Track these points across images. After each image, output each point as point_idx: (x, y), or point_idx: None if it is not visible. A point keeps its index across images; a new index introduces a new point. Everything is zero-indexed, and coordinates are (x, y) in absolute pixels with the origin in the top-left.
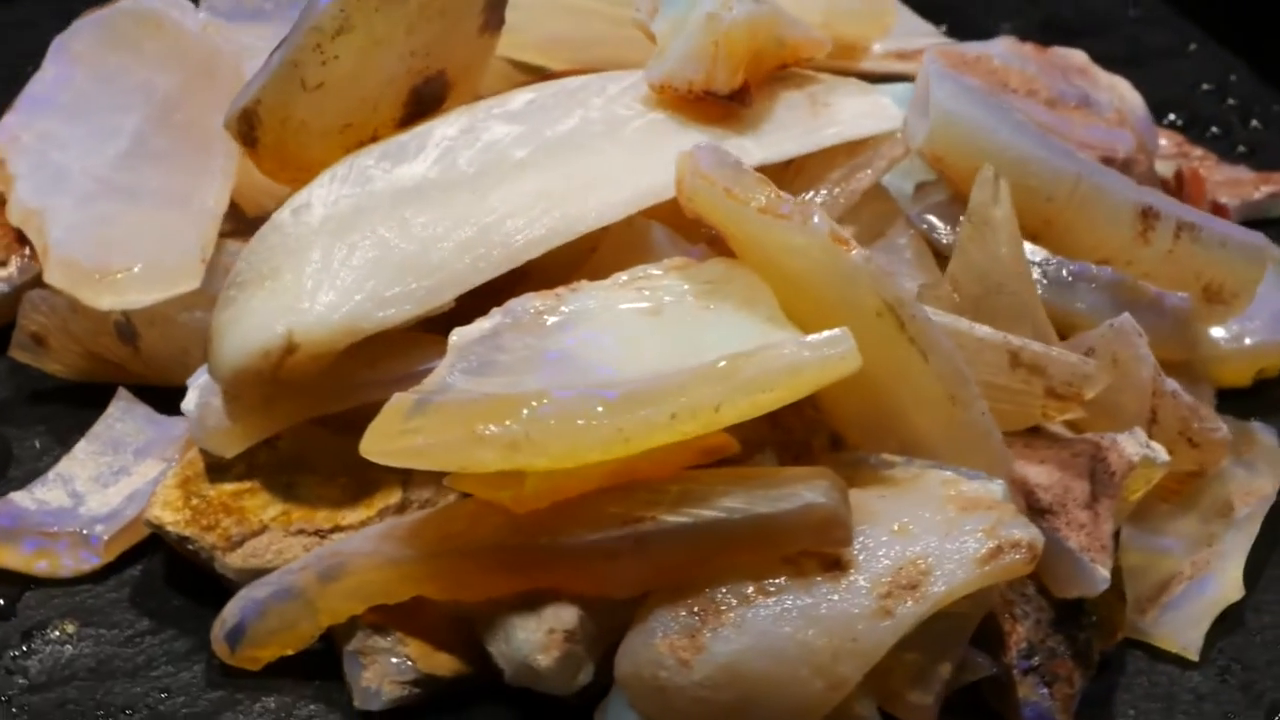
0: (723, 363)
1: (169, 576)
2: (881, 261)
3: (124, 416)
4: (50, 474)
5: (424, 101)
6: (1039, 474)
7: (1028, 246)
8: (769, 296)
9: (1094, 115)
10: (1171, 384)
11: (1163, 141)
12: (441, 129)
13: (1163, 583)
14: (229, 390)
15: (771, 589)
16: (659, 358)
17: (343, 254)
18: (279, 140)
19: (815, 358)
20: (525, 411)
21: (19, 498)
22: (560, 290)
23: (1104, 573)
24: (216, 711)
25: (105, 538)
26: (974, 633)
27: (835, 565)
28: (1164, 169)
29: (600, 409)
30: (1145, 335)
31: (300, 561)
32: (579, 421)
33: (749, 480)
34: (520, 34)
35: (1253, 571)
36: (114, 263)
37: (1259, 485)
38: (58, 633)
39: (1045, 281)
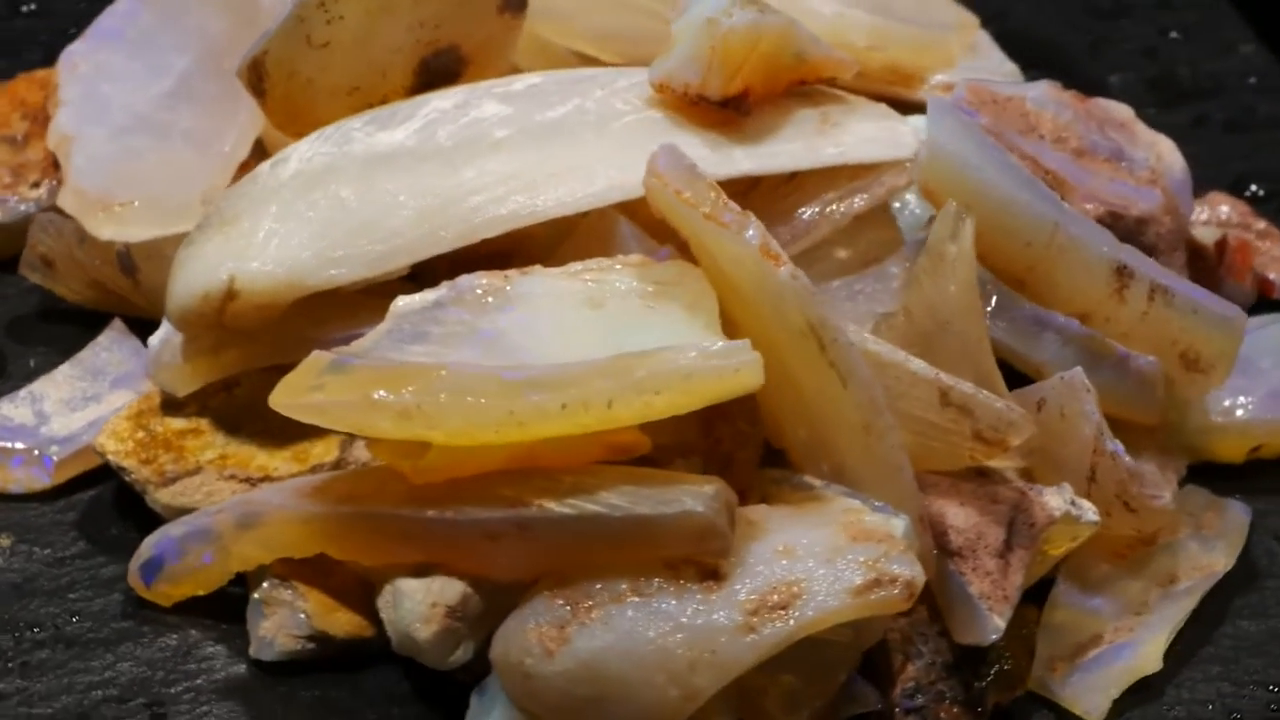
0: (618, 359)
1: (116, 505)
2: (868, 288)
3: (111, 346)
4: (23, 391)
5: (434, 74)
6: (956, 515)
7: (1001, 290)
8: (712, 304)
9: (1124, 170)
10: (1115, 445)
11: (1224, 209)
12: (437, 101)
13: (1082, 643)
14: (179, 329)
15: (645, 591)
16: (586, 349)
17: (300, 209)
18: (286, 94)
19: (708, 366)
20: (422, 383)
21: (24, 409)
22: (511, 272)
23: (998, 623)
24: (118, 641)
25: (57, 459)
26: (868, 665)
27: (712, 576)
28: (1211, 234)
29: (494, 389)
30: (1094, 392)
31: (220, 505)
32: (469, 399)
33: (641, 480)
34: (575, 23)
35: (1187, 648)
36: (120, 195)
37: (1209, 561)
38: None
39: (1011, 328)
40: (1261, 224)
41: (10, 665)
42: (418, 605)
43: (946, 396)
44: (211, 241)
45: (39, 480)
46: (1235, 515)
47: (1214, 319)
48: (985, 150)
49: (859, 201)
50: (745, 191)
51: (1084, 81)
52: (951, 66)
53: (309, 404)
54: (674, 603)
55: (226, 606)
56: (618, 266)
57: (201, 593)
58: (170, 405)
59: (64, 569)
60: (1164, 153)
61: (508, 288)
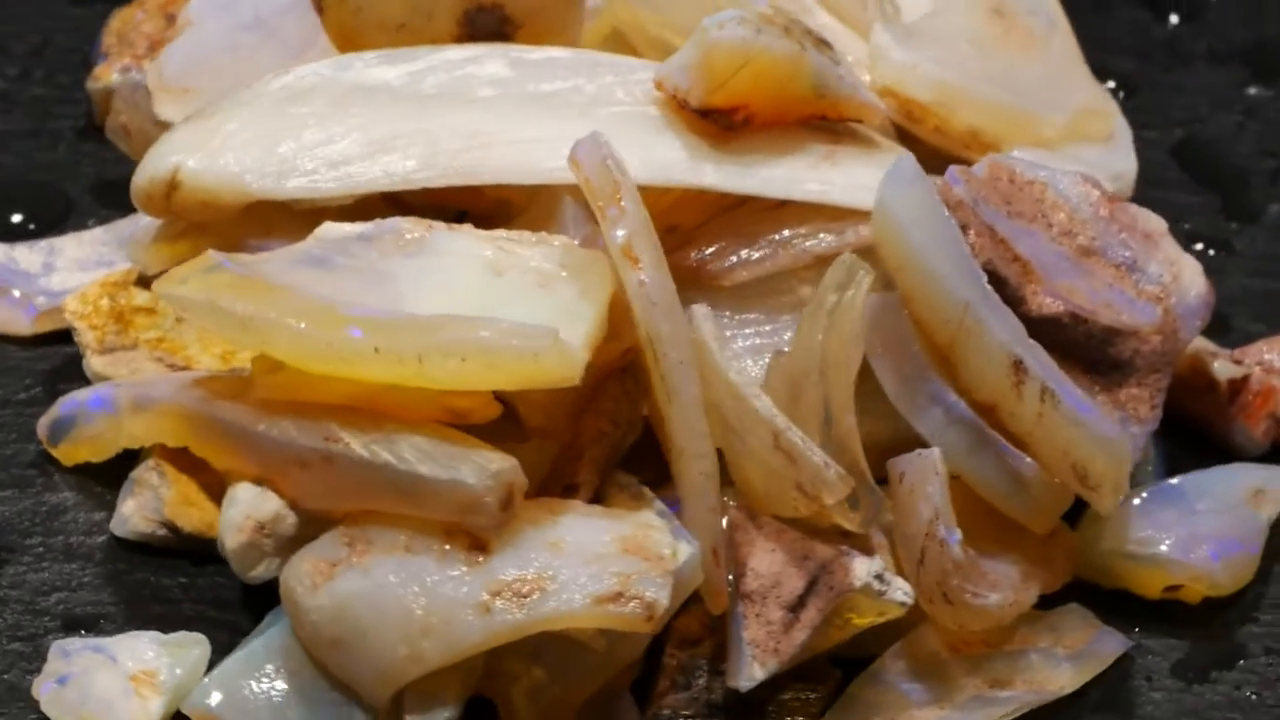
0: (435, 318)
1: (80, 367)
2: None
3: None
4: (45, 241)
5: (478, 29)
6: (763, 559)
7: (913, 360)
8: (603, 296)
9: (1129, 280)
10: (949, 534)
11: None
12: (452, 53)
13: None
14: (138, 208)
15: (416, 548)
16: (458, 310)
17: (266, 119)
18: (339, 18)
19: (506, 344)
20: (262, 299)
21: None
22: (438, 224)
23: (756, 673)
24: (9, 484)
25: (40, 309)
26: (641, 684)
27: (481, 550)
28: (1233, 371)
29: (319, 319)
30: (942, 475)
31: (129, 382)
32: (292, 321)
33: (445, 441)
34: (663, 15)
35: None
36: (196, 82)
37: (1048, 679)
38: None
39: (905, 392)
40: None
41: None
42: (236, 514)
43: (777, 441)
44: (179, 132)
45: (19, 324)
46: (1105, 643)
47: (1097, 437)
48: (926, 217)
49: (824, 242)
50: (732, 207)
51: (1248, 209)
52: (1045, 146)
53: (173, 294)
54: (433, 566)
55: (114, 475)
56: (536, 242)
57: (94, 459)
58: (143, 282)
59: (3, 410)
60: (1183, 273)
61: (427, 237)
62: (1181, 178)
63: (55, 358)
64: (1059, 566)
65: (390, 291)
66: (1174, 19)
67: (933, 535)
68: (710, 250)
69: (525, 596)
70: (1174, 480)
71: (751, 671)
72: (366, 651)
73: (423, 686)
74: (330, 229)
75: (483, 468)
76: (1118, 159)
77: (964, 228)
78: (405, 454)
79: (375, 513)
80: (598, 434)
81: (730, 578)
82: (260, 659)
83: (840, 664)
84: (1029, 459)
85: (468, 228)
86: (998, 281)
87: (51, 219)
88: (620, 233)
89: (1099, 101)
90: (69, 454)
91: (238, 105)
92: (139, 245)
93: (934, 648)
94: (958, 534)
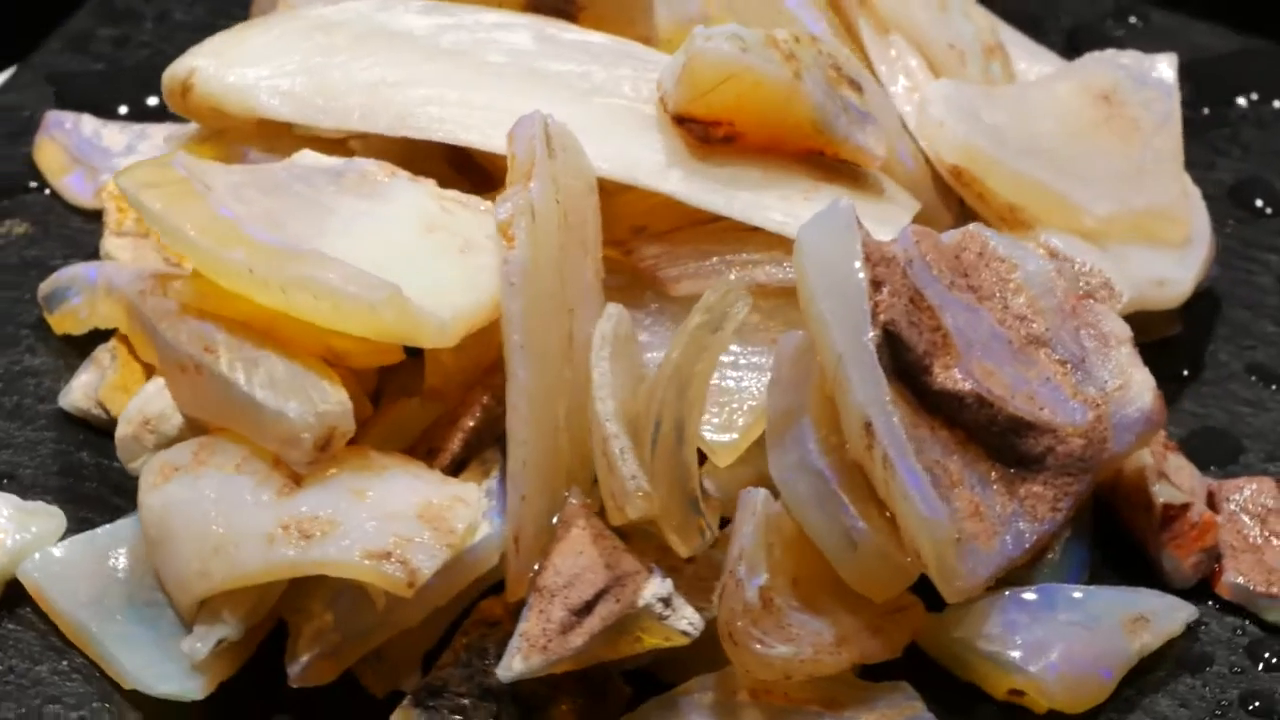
0: (306, 253)
1: None
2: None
3: None
4: (139, 125)
5: (542, 2)
6: (567, 558)
7: (796, 399)
8: None
9: (1070, 379)
10: (752, 577)
11: (1254, 492)
12: (490, 16)
13: None
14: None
15: (244, 468)
16: (372, 255)
17: (290, 43)
18: None
19: (345, 290)
20: (174, 199)
21: (91, 122)
22: (402, 172)
23: (516, 666)
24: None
25: (99, 187)
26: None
27: (292, 481)
28: (1173, 496)
29: (211, 230)
30: (760, 516)
31: (113, 264)
32: (187, 226)
33: (306, 374)
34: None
35: None
36: None
37: None
38: (6, 227)
39: (772, 433)
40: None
41: None
42: (132, 406)
43: (604, 446)
44: (215, 40)
45: (82, 196)
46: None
47: (918, 514)
48: (832, 263)
49: (769, 273)
50: (706, 222)
51: None
52: (1089, 236)
53: (119, 182)
54: (246, 491)
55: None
56: (482, 209)
57: (74, 332)
58: None
59: (37, 269)
60: (1131, 385)
61: (385, 183)
62: None
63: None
64: (892, 639)
65: (317, 225)
66: None
67: (733, 574)
68: (661, 255)
69: (307, 537)
70: (1055, 586)
71: (512, 662)
72: (172, 558)
73: (215, 603)
74: (305, 156)
75: (309, 406)
76: (1174, 268)
77: (877, 284)
78: (255, 378)
79: (231, 430)
80: (477, 406)
81: (536, 569)
82: (103, 545)
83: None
84: (863, 523)
85: (430, 183)
86: (899, 345)
87: None
88: (505, 208)
89: (1178, 207)
90: (58, 323)
91: (271, 23)
92: (174, 141)
93: (737, 688)
94: (760, 579)
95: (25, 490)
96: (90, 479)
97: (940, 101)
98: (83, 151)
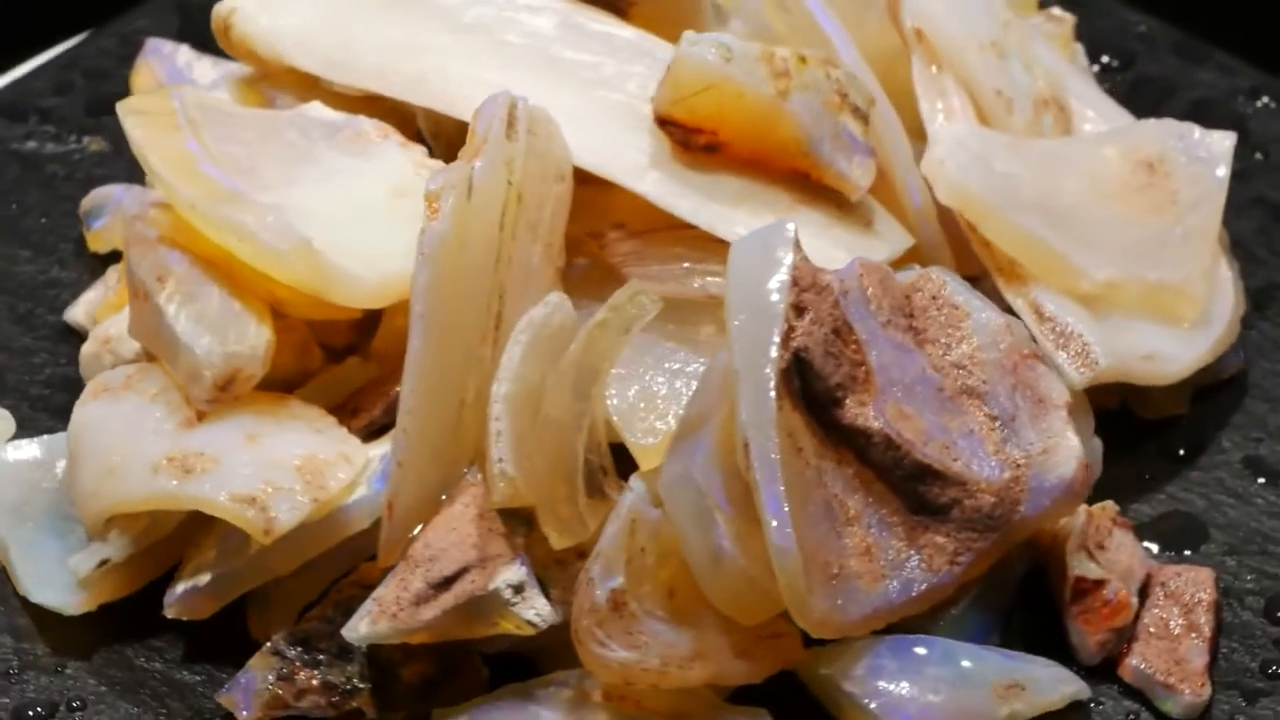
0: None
1: None
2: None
3: None
4: (232, 64)
5: None
6: (440, 532)
7: (704, 410)
8: None
9: (996, 435)
10: (605, 578)
11: (1184, 580)
12: None
13: None
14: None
15: (158, 398)
16: (333, 214)
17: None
18: None
19: (259, 234)
20: (156, 136)
21: (187, 54)
22: (396, 135)
23: (362, 628)
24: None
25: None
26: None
27: (196, 417)
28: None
29: (177, 165)
30: (623, 519)
31: (138, 188)
32: (154, 158)
33: (240, 315)
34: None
35: None
36: None
37: None
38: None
39: (676, 439)
40: (1203, 623)
41: None
42: (102, 326)
43: (486, 427)
44: None
45: None
46: None
47: (771, 541)
48: (753, 280)
49: (711, 283)
50: (684, 227)
51: None
52: (1086, 302)
53: (119, 106)
54: (153, 418)
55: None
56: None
57: (103, 251)
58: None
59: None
60: (1057, 452)
61: (377, 144)
62: None
63: None
64: (757, 665)
65: (291, 174)
66: None
67: (588, 572)
68: (631, 253)
69: (187, 472)
70: (937, 640)
71: (359, 624)
72: (78, 475)
73: (110, 524)
74: (313, 108)
75: (219, 346)
76: (1173, 345)
77: (800, 309)
78: (185, 311)
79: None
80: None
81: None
82: (45, 452)
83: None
84: (730, 543)
85: (418, 150)
86: (810, 373)
87: None
88: (436, 180)
89: (1194, 286)
90: (93, 240)
91: None
92: (230, 80)
93: (591, 687)
94: (615, 581)
95: (3, 393)
96: (72, 391)
97: (947, 142)
98: (172, 80)
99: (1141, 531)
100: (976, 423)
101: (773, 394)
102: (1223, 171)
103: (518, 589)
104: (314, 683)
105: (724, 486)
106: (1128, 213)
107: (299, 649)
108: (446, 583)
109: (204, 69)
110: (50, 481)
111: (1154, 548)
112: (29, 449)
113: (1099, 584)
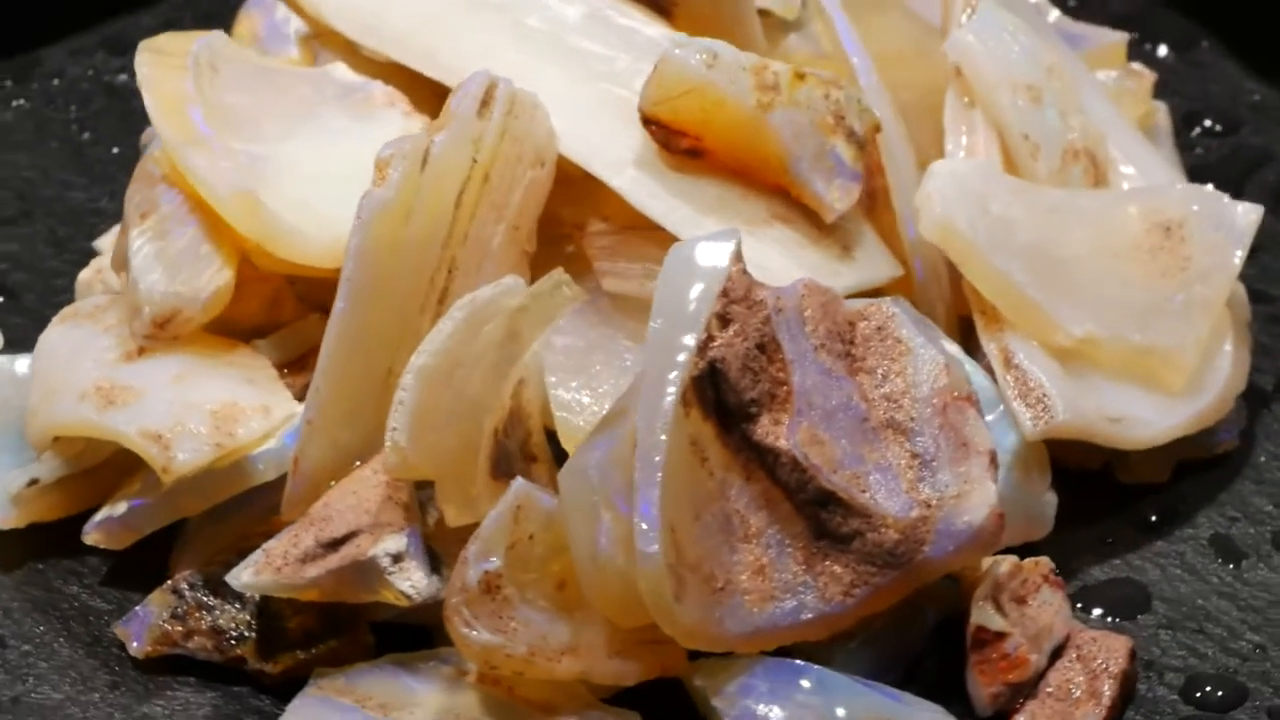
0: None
1: None
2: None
3: None
4: None
5: None
6: (341, 494)
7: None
8: None
9: (911, 473)
10: (479, 561)
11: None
12: None
13: None
14: None
15: (112, 330)
16: (313, 166)
17: None
18: None
19: (205, 177)
20: (161, 77)
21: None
22: (402, 103)
23: (245, 576)
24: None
25: None
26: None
27: (137, 352)
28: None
29: (168, 106)
30: (507, 503)
31: None
32: (152, 98)
33: (201, 252)
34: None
35: None
36: None
37: None
38: None
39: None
40: (1105, 690)
41: None
42: (104, 255)
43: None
44: None
45: None
46: None
47: (637, 546)
48: (677, 285)
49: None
50: (661, 229)
51: None
52: (1061, 356)
53: (141, 43)
54: (98, 348)
55: None
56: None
57: None
58: None
59: None
60: (970, 498)
61: (380, 111)
62: None
63: None
64: (634, 666)
65: (289, 129)
66: None
67: (465, 552)
68: (606, 248)
69: (110, 403)
70: (819, 669)
71: (243, 573)
72: (28, 395)
73: (53, 443)
74: (336, 69)
75: (163, 285)
76: (1147, 410)
77: (725, 319)
78: (149, 247)
79: None
80: None
81: None
82: (19, 372)
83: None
84: (608, 541)
85: (421, 120)
86: (724, 385)
87: None
88: (388, 148)
89: (1184, 355)
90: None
91: None
92: (298, 36)
93: (469, 667)
94: (490, 564)
95: (15, 310)
96: None
97: (942, 176)
98: (266, 31)
99: (1087, 593)
100: (895, 457)
101: (670, 398)
102: (1242, 243)
103: (396, 558)
104: (204, 625)
105: (622, 486)
106: (1131, 273)
107: (196, 591)
108: (335, 544)
109: (299, 24)
110: (20, 400)
111: (1097, 611)
112: (6, 364)
113: (1000, 636)
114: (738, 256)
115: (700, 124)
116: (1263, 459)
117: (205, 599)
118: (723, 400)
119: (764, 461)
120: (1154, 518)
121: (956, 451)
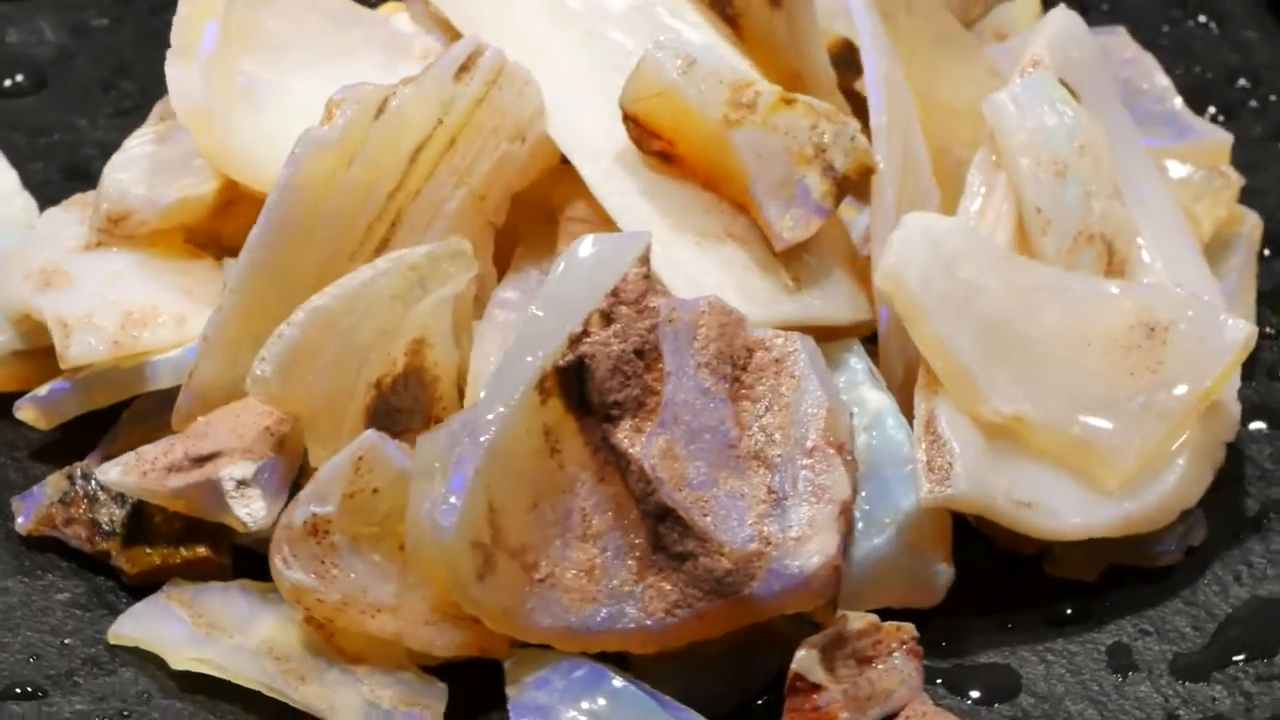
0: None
1: None
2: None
3: None
4: None
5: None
6: (226, 415)
7: None
8: None
9: (762, 508)
10: (317, 504)
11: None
12: None
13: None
14: None
15: (87, 220)
16: (318, 100)
17: None
18: None
19: (177, 91)
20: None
21: None
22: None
23: (110, 474)
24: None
25: None
26: None
27: (95, 243)
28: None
29: (188, 30)
30: (349, 455)
31: None
32: (179, 19)
33: (172, 160)
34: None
35: None
36: None
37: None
38: None
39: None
40: None
41: None
42: None
43: None
44: None
45: None
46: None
47: (435, 518)
48: (570, 280)
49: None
50: None
51: None
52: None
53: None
54: (68, 234)
55: None
56: None
57: None
58: None
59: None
60: (809, 544)
61: (415, 63)
62: None
63: None
64: (449, 639)
65: (313, 63)
66: None
67: (300, 493)
68: (574, 232)
69: (46, 285)
70: (627, 681)
71: (110, 469)
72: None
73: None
74: (399, 18)
75: (127, 185)
76: (1067, 503)
77: (607, 318)
78: (142, 149)
79: None
80: None
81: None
82: None
83: None
84: (433, 508)
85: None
86: (589, 382)
87: None
88: (343, 90)
89: (1120, 457)
90: None
91: None
92: None
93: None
94: (323, 508)
95: None
96: None
97: (911, 228)
98: None
99: (966, 673)
100: (753, 489)
101: (522, 382)
102: (1225, 361)
103: (241, 484)
104: (83, 515)
105: (482, 458)
106: (1096, 365)
107: (87, 481)
108: (200, 460)
109: None
110: None
111: (974, 694)
112: None
113: (815, 687)
114: (643, 260)
115: (671, 129)
116: (1205, 582)
117: (93, 490)
118: (586, 396)
119: (620, 465)
120: (1069, 612)
121: (812, 495)
